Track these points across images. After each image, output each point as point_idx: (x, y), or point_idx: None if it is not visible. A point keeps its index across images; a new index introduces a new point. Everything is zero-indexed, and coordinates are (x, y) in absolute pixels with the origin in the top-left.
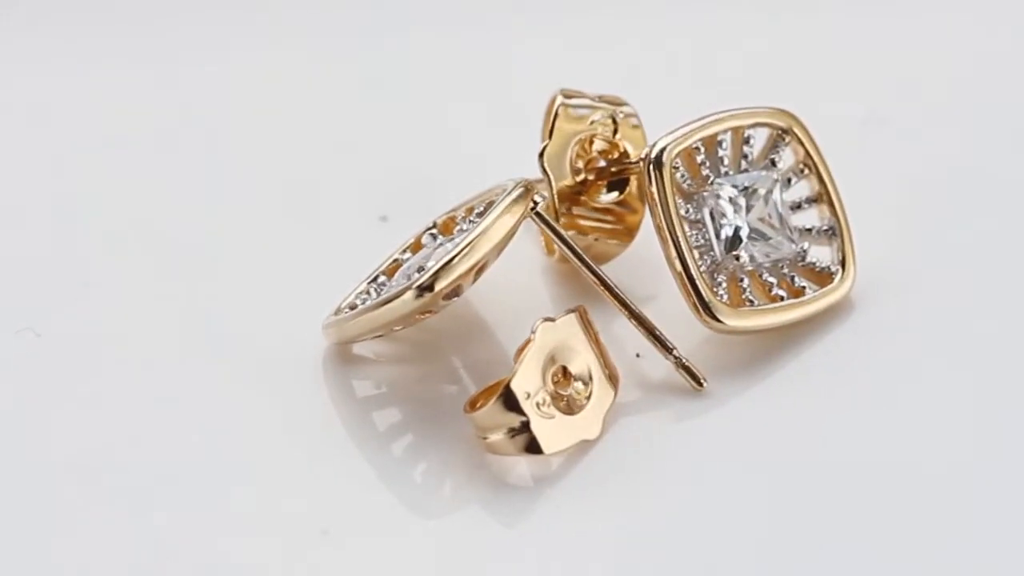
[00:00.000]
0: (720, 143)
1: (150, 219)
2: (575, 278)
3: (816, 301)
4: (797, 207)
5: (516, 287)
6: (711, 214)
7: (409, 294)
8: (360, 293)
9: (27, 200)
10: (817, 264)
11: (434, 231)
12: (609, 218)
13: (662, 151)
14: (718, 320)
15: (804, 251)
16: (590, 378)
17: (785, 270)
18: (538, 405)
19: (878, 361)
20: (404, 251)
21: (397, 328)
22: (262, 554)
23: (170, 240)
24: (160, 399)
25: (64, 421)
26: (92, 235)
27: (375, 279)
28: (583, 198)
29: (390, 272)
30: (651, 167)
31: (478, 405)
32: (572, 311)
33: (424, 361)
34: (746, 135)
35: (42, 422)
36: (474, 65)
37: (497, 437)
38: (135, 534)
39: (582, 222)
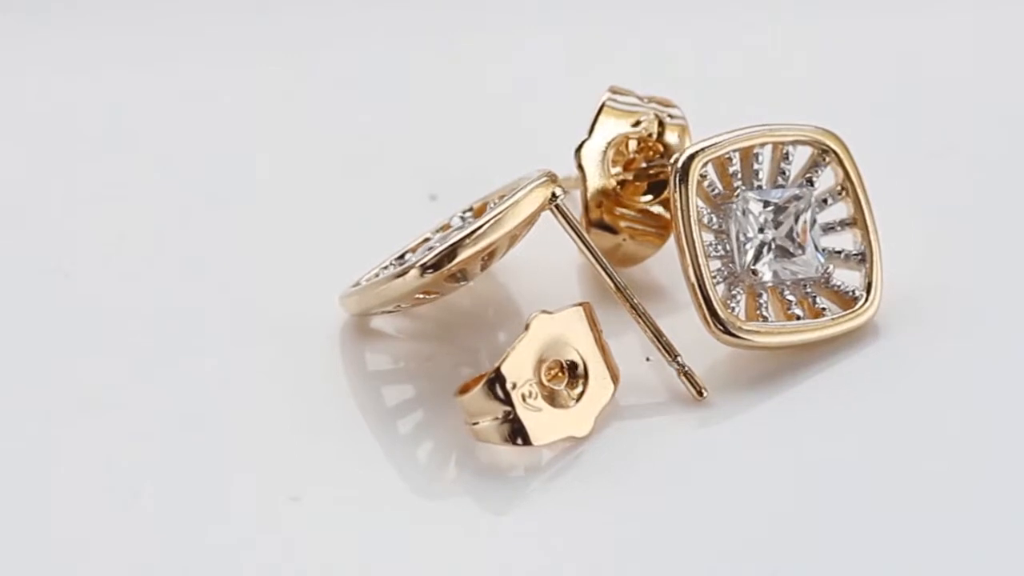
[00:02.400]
0: (757, 156)
1: (208, 189)
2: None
3: (834, 325)
4: (830, 228)
5: (551, 276)
6: (737, 226)
7: (413, 272)
8: (383, 268)
9: (78, 149)
10: (841, 287)
11: (466, 214)
12: (649, 220)
13: (689, 159)
14: (726, 333)
15: (829, 273)
16: (585, 375)
17: (808, 289)
18: (524, 397)
19: (890, 392)
20: (437, 231)
21: (404, 305)
22: (235, 519)
23: (220, 207)
24: (177, 353)
25: (74, 359)
26: (141, 191)
27: (402, 255)
28: (621, 197)
29: (415, 250)
30: (676, 174)
31: (469, 391)
32: (576, 306)
33: (444, 341)
34: (785, 151)
35: (54, 359)
36: (540, 56)
37: (484, 424)
38: (129, 492)
39: (621, 222)
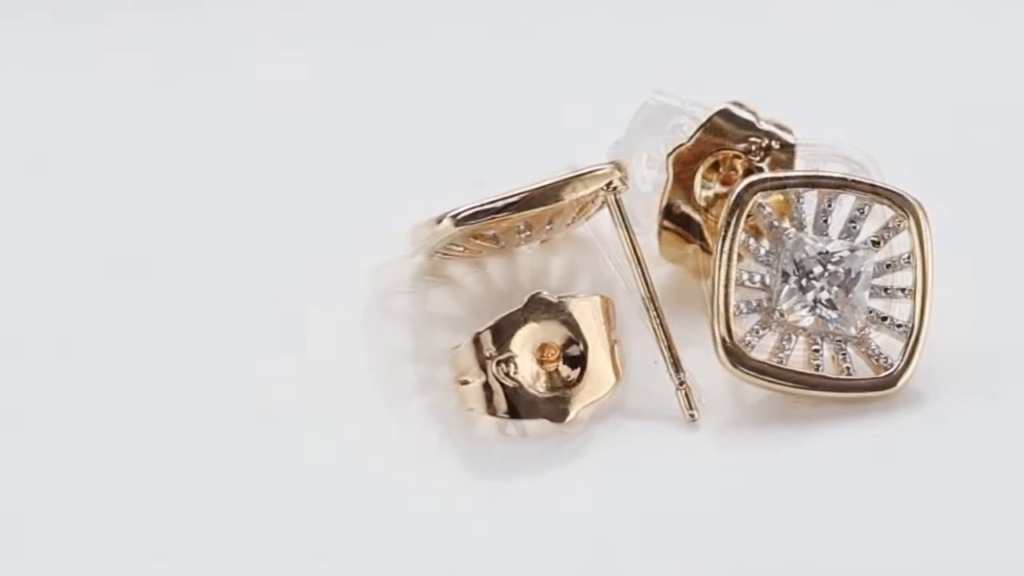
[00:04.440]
0: (830, 203)
1: (256, 167)
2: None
3: (847, 390)
4: (884, 291)
5: (603, 269)
6: (788, 266)
7: (447, 222)
8: None
9: (114, 124)
10: (875, 352)
11: None
12: None
13: (747, 188)
14: (733, 365)
15: (867, 335)
16: (583, 366)
17: (842, 344)
18: (503, 364)
19: (905, 472)
20: None
21: (440, 254)
22: (235, 480)
23: (266, 183)
24: (203, 317)
25: (87, 320)
26: (182, 162)
27: None
28: (711, 212)
29: None
30: (731, 200)
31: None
32: (594, 297)
33: (471, 323)
34: (862, 207)
35: (74, 310)
36: (603, 50)
37: (469, 386)
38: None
39: (708, 235)
